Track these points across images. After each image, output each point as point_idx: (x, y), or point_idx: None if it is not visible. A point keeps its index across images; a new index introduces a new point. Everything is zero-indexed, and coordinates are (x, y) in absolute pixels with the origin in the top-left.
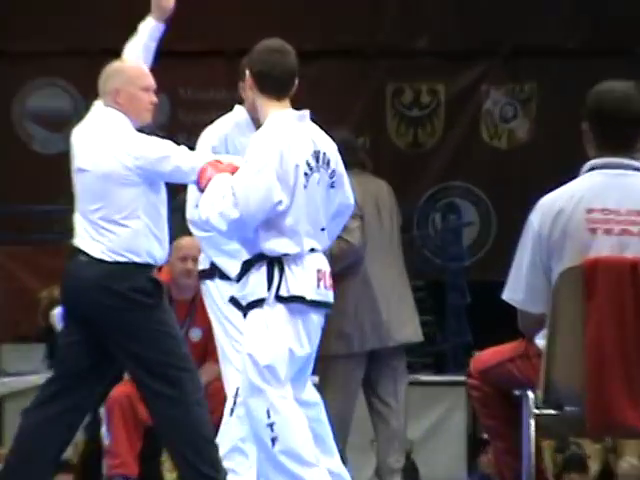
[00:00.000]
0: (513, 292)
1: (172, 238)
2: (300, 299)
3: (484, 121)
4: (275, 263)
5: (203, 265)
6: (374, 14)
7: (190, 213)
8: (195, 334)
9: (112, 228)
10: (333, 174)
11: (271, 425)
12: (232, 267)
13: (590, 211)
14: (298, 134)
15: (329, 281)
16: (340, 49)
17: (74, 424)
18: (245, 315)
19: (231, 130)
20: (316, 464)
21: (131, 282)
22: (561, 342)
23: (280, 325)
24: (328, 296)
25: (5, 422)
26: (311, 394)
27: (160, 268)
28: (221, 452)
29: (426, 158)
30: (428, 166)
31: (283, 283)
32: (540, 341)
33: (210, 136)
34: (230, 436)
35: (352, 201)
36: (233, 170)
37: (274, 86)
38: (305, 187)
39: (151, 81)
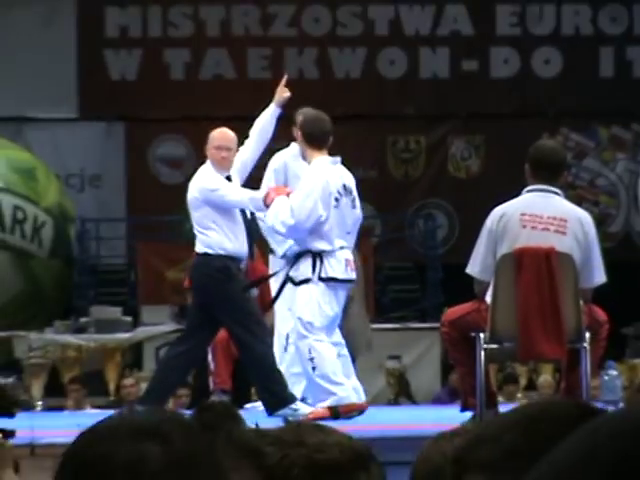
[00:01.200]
0: (472, 267)
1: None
2: (333, 279)
3: (450, 160)
4: (317, 256)
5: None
6: (379, 90)
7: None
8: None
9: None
10: (354, 199)
11: (312, 359)
12: (279, 248)
13: (523, 214)
14: (332, 173)
15: (353, 266)
16: (357, 114)
17: (197, 358)
18: (293, 285)
19: (289, 158)
20: (343, 382)
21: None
22: (501, 301)
23: (320, 295)
24: (352, 275)
25: (144, 356)
26: (338, 337)
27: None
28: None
29: (413, 184)
30: (414, 189)
31: (323, 269)
32: (488, 299)
33: (275, 162)
34: (288, 365)
35: (361, 217)
36: (287, 193)
37: (318, 141)
38: (336, 207)
39: (221, 142)
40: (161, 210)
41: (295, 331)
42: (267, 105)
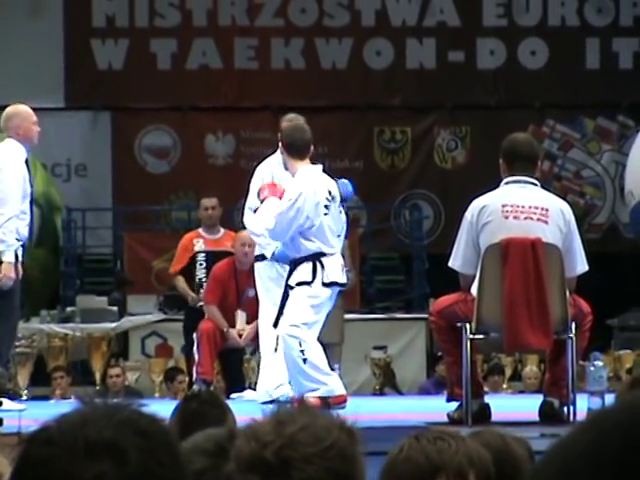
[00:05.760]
0: (454, 260)
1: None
2: (335, 284)
3: (436, 151)
4: (317, 261)
5: (257, 252)
6: (365, 81)
7: (247, 224)
8: (251, 292)
9: None
10: (339, 205)
11: (302, 351)
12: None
13: (504, 205)
14: (317, 182)
15: (345, 269)
16: (343, 105)
17: None
18: (291, 290)
19: (275, 165)
20: (331, 374)
21: None
22: (487, 292)
23: (316, 299)
24: (345, 279)
25: (130, 345)
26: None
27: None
28: (282, 379)
29: (399, 174)
30: (400, 180)
31: (324, 274)
32: (474, 291)
33: (262, 171)
34: (283, 367)
35: (345, 224)
36: (281, 194)
37: (299, 152)
38: (326, 214)
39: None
40: (147, 200)
41: (285, 328)
42: (253, 96)
